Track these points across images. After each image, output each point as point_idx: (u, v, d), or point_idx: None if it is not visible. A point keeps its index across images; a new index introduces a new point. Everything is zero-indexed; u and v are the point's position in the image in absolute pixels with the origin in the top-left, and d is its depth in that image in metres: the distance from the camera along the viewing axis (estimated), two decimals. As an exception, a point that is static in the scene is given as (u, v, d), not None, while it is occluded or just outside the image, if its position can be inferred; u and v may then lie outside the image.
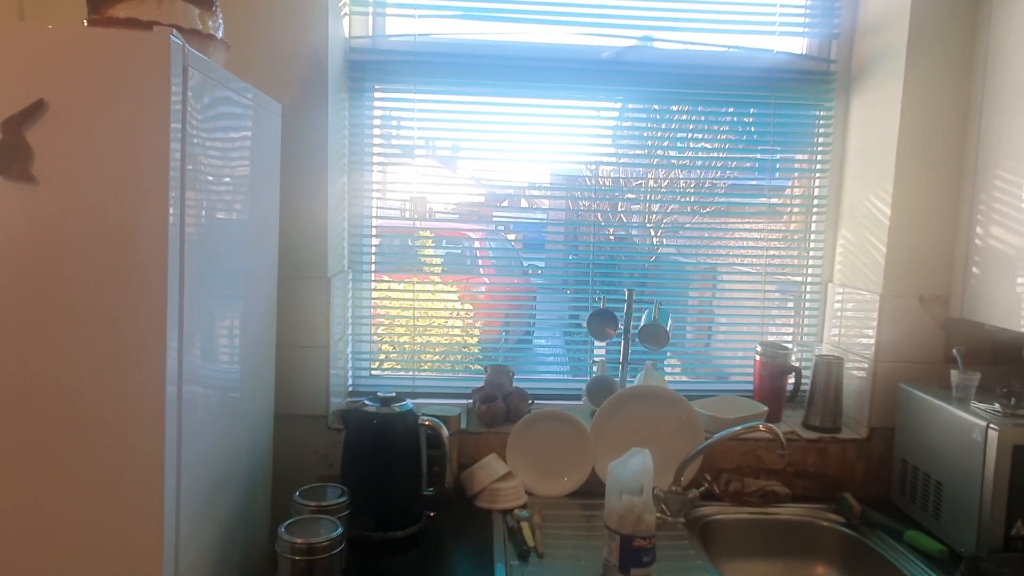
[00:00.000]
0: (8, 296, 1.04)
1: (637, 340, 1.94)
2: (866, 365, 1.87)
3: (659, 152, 2.10)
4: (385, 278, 2.07)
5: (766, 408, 1.89)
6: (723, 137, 2.08)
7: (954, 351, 1.70)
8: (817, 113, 2.03)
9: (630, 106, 2.09)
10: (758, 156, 2.09)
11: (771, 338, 2.11)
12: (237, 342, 1.39)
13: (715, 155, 2.09)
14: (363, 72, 1.93)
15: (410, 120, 2.00)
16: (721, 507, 1.75)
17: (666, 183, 2.14)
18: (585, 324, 1.99)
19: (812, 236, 2.08)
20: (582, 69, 1.97)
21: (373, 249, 2.04)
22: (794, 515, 1.75)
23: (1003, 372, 1.79)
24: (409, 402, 1.61)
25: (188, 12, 1.24)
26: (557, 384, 2.11)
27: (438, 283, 2.17)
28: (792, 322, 2.14)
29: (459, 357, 2.17)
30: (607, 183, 2.11)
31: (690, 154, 2.09)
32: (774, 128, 2.04)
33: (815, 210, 2.07)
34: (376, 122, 2.00)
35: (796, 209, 2.10)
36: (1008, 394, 1.54)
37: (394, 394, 1.62)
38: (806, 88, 2.01)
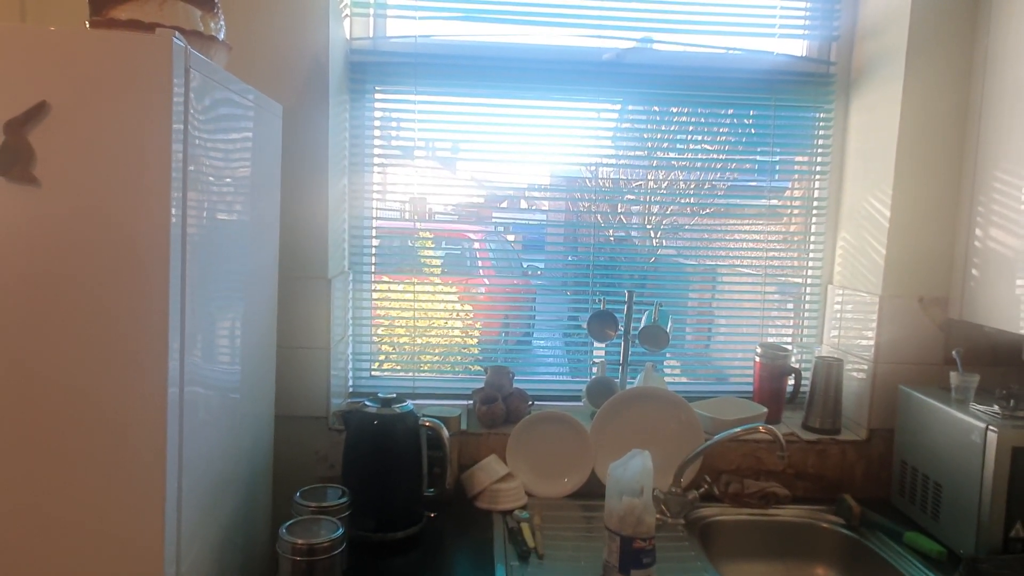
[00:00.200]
0: (10, 297, 1.04)
1: (637, 341, 1.94)
2: (866, 367, 1.87)
3: (659, 153, 2.10)
4: (385, 279, 2.07)
5: (766, 409, 1.90)
6: (723, 139, 2.08)
7: (953, 353, 1.71)
8: (817, 115, 2.04)
9: (630, 107, 2.10)
10: (758, 158, 2.09)
11: (771, 339, 2.11)
12: (238, 343, 1.39)
13: (715, 156, 2.09)
14: (364, 73, 1.93)
15: (410, 121, 2.00)
16: (721, 508, 1.76)
17: (666, 184, 2.14)
18: (585, 325, 1.99)
19: (812, 238, 2.08)
20: (582, 70, 1.97)
21: (373, 250, 2.04)
22: (794, 516, 1.75)
23: (1002, 374, 1.79)
24: (409, 403, 1.62)
25: (190, 14, 1.25)
26: (557, 385, 2.12)
27: (438, 284, 2.18)
28: (792, 323, 2.14)
29: (459, 358, 2.17)
30: (607, 184, 2.11)
31: (690, 155, 2.10)
32: (774, 130, 2.04)
33: (815, 212, 2.08)
34: (376, 123, 2.01)
35: (796, 211, 2.11)
36: (1007, 396, 1.54)
37: (394, 395, 1.62)
38: (806, 90, 2.01)
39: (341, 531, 1.29)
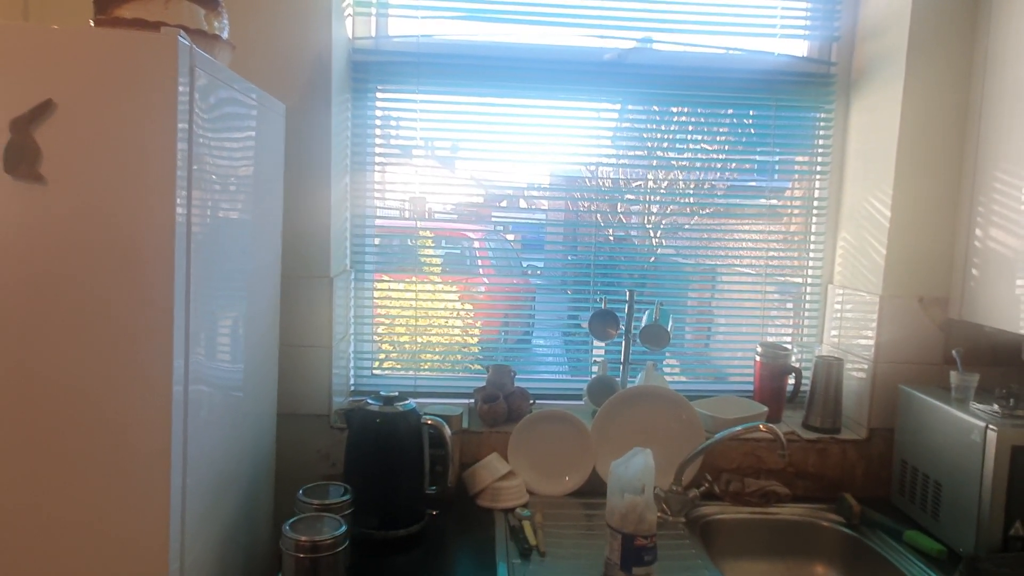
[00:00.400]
0: (16, 295, 1.04)
1: (638, 340, 1.95)
2: (866, 366, 1.88)
3: (659, 153, 2.10)
4: (386, 278, 2.08)
5: (766, 408, 1.90)
6: (723, 139, 2.08)
7: (953, 352, 1.72)
8: (817, 115, 2.04)
9: (630, 107, 2.10)
10: (758, 158, 2.10)
11: (771, 339, 2.12)
12: (241, 342, 1.39)
13: (715, 156, 2.10)
14: (366, 73, 1.94)
15: (412, 120, 2.00)
16: (722, 507, 1.76)
17: (666, 184, 2.15)
18: (587, 324, 2.00)
19: (812, 237, 2.09)
20: (583, 70, 1.97)
21: (375, 249, 2.04)
22: (794, 515, 1.76)
23: (1002, 373, 1.80)
24: (412, 401, 1.62)
25: (194, 13, 1.25)
26: (557, 384, 2.12)
27: (438, 283, 2.18)
28: (792, 323, 2.14)
29: (459, 357, 2.17)
30: (607, 184, 2.12)
31: (690, 155, 2.10)
32: (774, 130, 2.05)
33: (815, 212, 2.08)
34: (377, 122, 2.01)
35: (796, 211, 2.11)
36: (1007, 395, 1.55)
37: (396, 393, 1.62)
38: (806, 90, 2.02)
39: (344, 528, 1.29)
